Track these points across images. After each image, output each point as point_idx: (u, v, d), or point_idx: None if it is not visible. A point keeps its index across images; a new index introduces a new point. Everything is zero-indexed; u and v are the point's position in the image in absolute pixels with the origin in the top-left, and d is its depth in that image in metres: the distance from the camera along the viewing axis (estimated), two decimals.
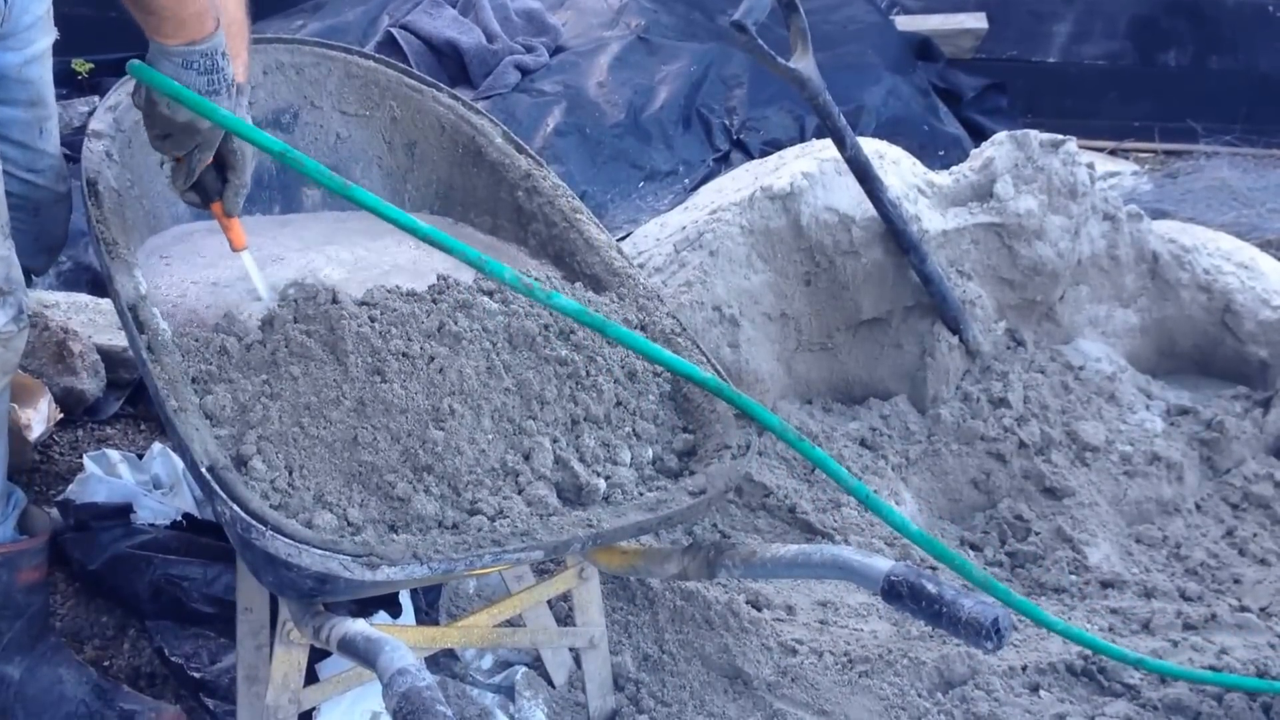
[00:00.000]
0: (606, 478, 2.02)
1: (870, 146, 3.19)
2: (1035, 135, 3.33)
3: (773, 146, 4.62)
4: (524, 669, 2.45)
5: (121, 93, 2.41)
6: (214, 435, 1.84)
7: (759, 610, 2.65)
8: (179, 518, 2.63)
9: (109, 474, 2.72)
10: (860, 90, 5.28)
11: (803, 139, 4.72)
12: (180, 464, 2.74)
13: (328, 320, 2.00)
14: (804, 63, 2.88)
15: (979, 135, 5.08)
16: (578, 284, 2.38)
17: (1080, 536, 2.92)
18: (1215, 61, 6.08)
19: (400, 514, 1.86)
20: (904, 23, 5.87)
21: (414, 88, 2.74)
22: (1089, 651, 2.54)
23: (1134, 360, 3.49)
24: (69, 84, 4.67)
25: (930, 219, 3.23)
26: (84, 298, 3.42)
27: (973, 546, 2.98)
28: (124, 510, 2.59)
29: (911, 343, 3.23)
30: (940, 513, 3.07)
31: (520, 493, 1.95)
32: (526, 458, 1.99)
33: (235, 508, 1.72)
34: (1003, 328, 3.32)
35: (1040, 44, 6.12)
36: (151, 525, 2.58)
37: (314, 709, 2.22)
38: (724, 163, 4.92)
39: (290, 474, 1.85)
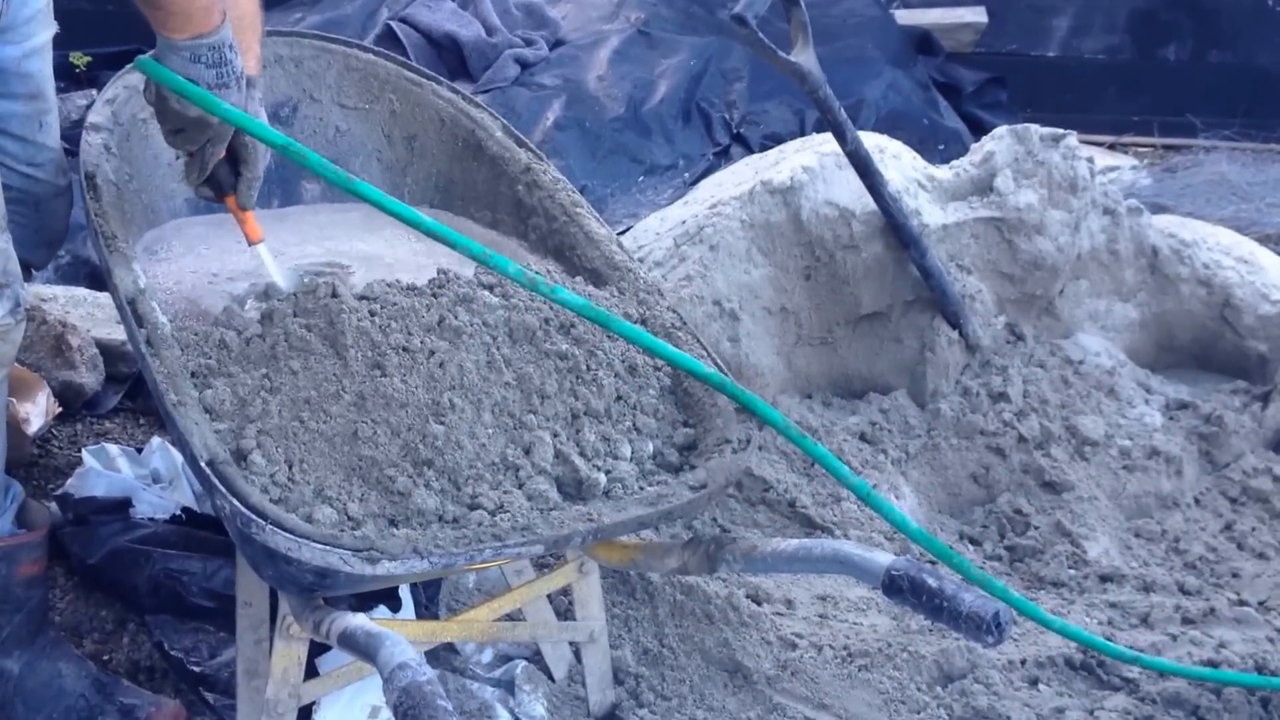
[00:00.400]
0: (607, 472, 2.02)
1: (870, 141, 3.18)
2: (1035, 129, 3.33)
3: (773, 140, 4.62)
4: (524, 663, 2.45)
5: (119, 86, 2.41)
6: (213, 429, 1.84)
7: (759, 604, 2.66)
8: (178, 512, 2.62)
9: (108, 468, 2.72)
10: (860, 84, 5.28)
11: (803, 133, 4.73)
12: (179, 458, 2.73)
13: (327, 314, 2.00)
14: (804, 56, 2.88)
15: (979, 129, 5.09)
16: (578, 278, 2.38)
17: (1079, 531, 2.92)
18: (1214, 56, 6.07)
19: (400, 508, 1.86)
20: (904, 17, 5.87)
21: (413, 81, 2.73)
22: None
23: (1133, 355, 3.49)
24: (66, 77, 4.66)
25: (930, 213, 3.22)
26: (82, 291, 3.42)
27: (972, 540, 2.98)
28: (123, 504, 2.59)
29: (911, 337, 3.23)
30: (940, 507, 3.07)
31: (520, 487, 1.95)
32: (527, 452, 1.99)
33: (235, 502, 1.72)
34: (1002, 322, 3.32)
35: (1040, 38, 6.12)
36: (151, 519, 2.58)
37: (314, 703, 2.22)
38: (724, 157, 4.92)
39: (290, 468, 1.85)
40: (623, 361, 2.17)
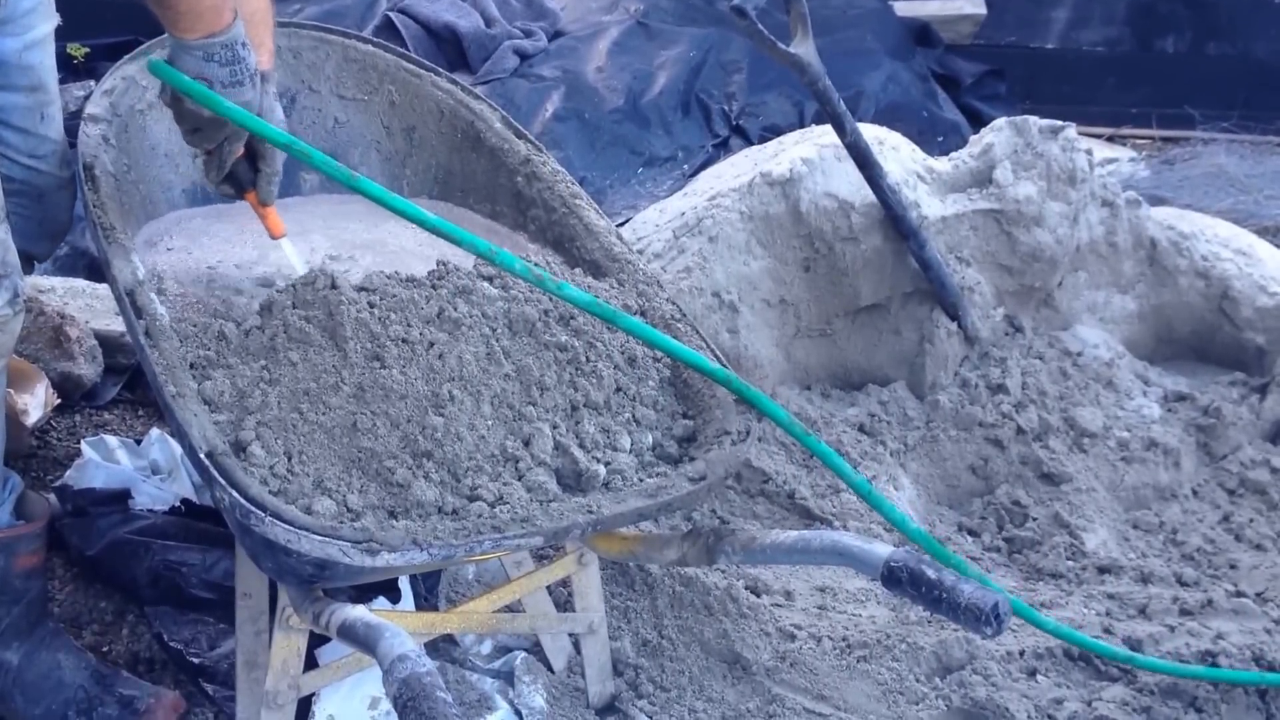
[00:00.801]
0: (606, 464, 2.02)
1: (869, 132, 3.18)
2: (1034, 121, 3.33)
3: (772, 132, 4.62)
4: (523, 654, 2.45)
5: (117, 77, 2.40)
6: (212, 421, 1.83)
7: (758, 596, 2.66)
8: (177, 503, 2.62)
9: (107, 459, 2.72)
10: (860, 76, 5.27)
11: (802, 125, 4.72)
12: (178, 449, 2.73)
13: (326, 306, 2.00)
14: (804, 48, 2.87)
15: (978, 121, 5.08)
16: (577, 269, 2.38)
17: (1077, 522, 2.93)
18: (1213, 48, 6.07)
19: (400, 500, 1.86)
20: (903, 8, 5.86)
21: (412, 72, 2.73)
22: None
23: (1132, 347, 3.49)
24: (64, 68, 4.65)
25: (929, 205, 3.22)
26: (81, 283, 3.41)
27: (970, 532, 2.99)
28: (122, 496, 2.59)
29: (910, 329, 3.23)
30: (938, 498, 3.08)
31: (520, 479, 1.95)
32: (526, 444, 1.99)
33: (234, 494, 1.72)
34: (1001, 314, 3.32)
35: (1039, 30, 6.11)
36: (150, 511, 2.58)
37: (314, 694, 2.22)
38: (723, 148, 4.92)
39: (289, 460, 1.85)
40: (622, 353, 2.17)
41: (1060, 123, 3.34)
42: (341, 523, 1.77)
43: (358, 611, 1.73)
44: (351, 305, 1.99)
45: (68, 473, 2.69)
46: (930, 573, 1.73)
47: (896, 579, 1.77)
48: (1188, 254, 3.49)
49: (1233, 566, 2.87)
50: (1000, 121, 3.38)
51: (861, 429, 3.09)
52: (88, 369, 3.07)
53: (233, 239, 2.34)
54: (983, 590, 1.70)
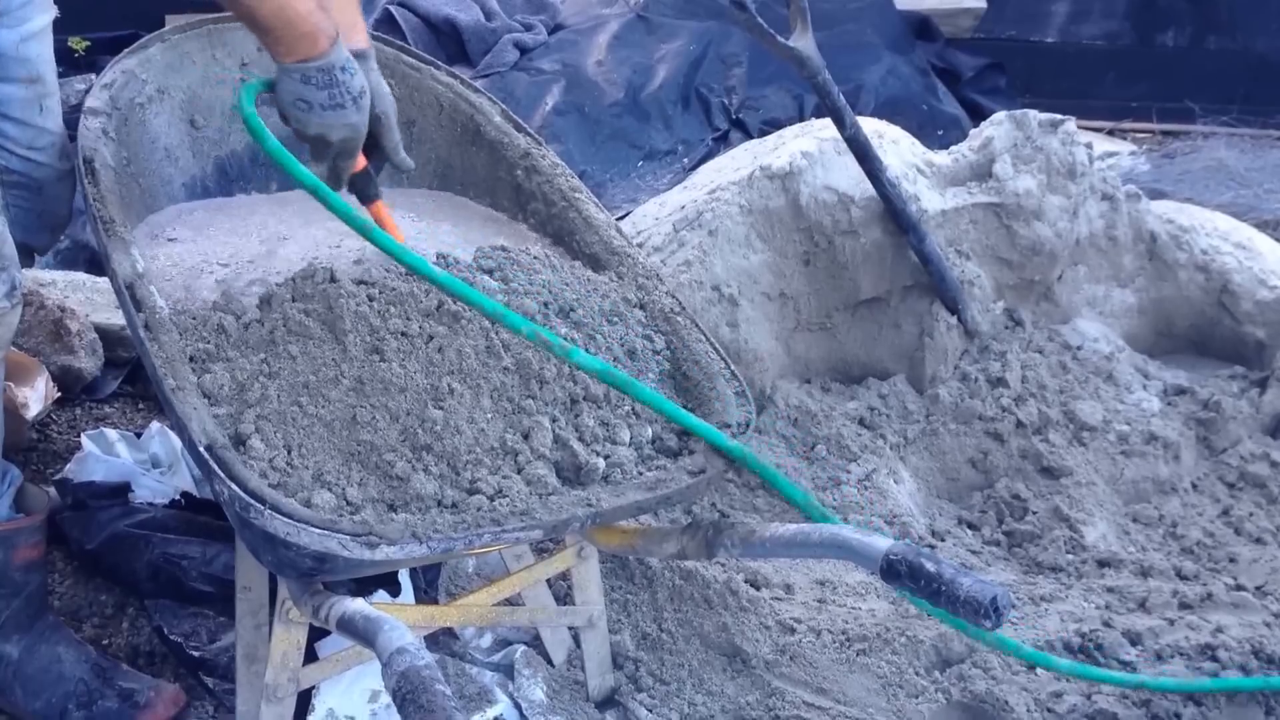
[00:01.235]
0: (605, 457, 2.02)
1: (869, 126, 3.18)
2: (1034, 115, 3.32)
3: (772, 126, 4.62)
4: (523, 648, 2.45)
5: (117, 70, 2.40)
6: (212, 414, 1.84)
7: (757, 589, 2.66)
8: (177, 497, 2.63)
9: (107, 453, 2.72)
10: (859, 69, 5.27)
11: (802, 118, 4.72)
12: (178, 443, 2.74)
13: (326, 299, 2.00)
14: (803, 41, 2.87)
15: (978, 115, 5.08)
16: (577, 262, 2.37)
17: (1077, 516, 2.93)
18: (1213, 42, 6.07)
19: (399, 493, 1.86)
20: (903, 2, 5.85)
21: (412, 65, 2.73)
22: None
23: (1131, 340, 3.49)
24: (65, 62, 4.63)
25: (929, 199, 3.22)
26: (81, 276, 3.41)
27: (970, 525, 2.99)
28: (122, 489, 2.59)
29: (910, 322, 3.23)
30: (938, 492, 3.08)
31: (519, 472, 1.95)
32: (525, 437, 1.99)
33: (234, 486, 1.72)
34: (1001, 307, 3.32)
35: (1039, 24, 6.10)
36: (150, 504, 2.58)
37: (313, 687, 2.23)
38: (723, 142, 4.92)
39: (289, 453, 1.85)
40: (622, 346, 2.17)
41: (1060, 116, 3.34)
42: (341, 516, 1.77)
43: (357, 604, 1.73)
44: (351, 299, 1.99)
45: (68, 466, 2.69)
46: (929, 566, 1.73)
47: (895, 572, 1.77)
48: (1188, 248, 3.49)
49: (1232, 560, 2.87)
50: (1000, 115, 3.37)
51: (861, 422, 3.09)
52: (88, 362, 3.07)
53: (236, 231, 2.34)
54: (982, 583, 1.70)
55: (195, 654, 2.39)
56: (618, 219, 2.82)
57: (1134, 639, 2.53)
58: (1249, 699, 2.42)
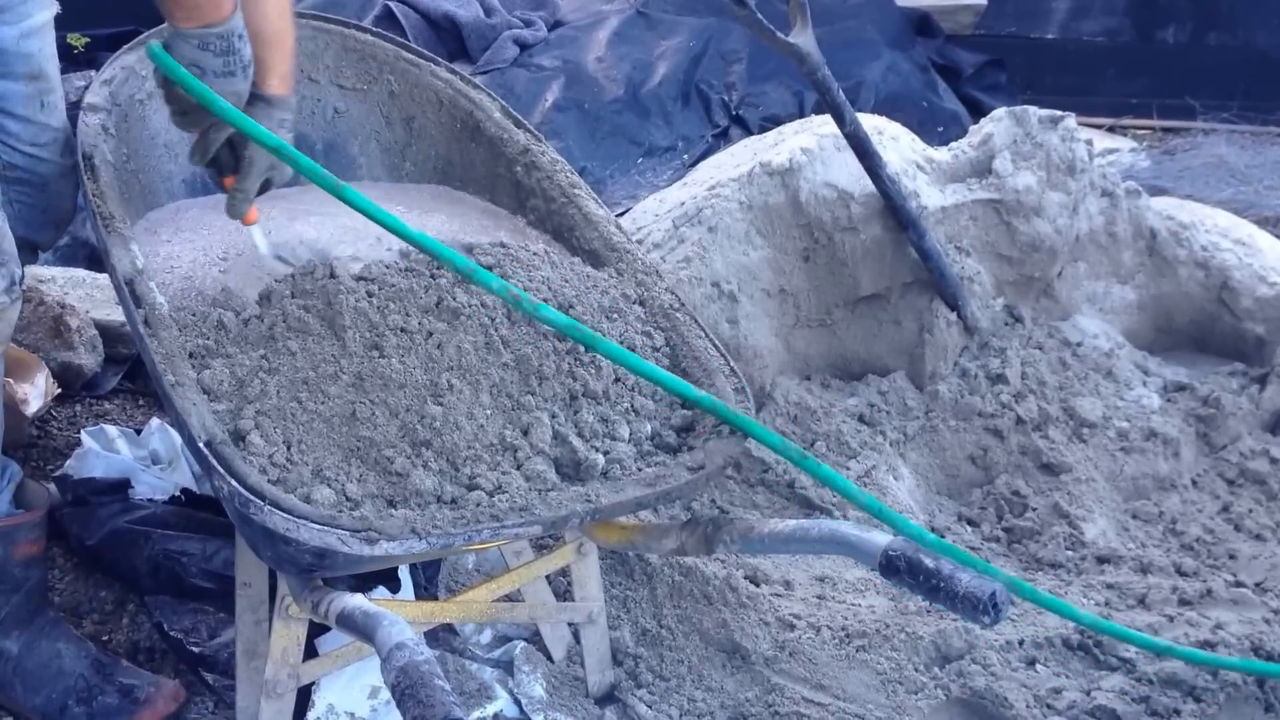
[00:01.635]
0: (605, 453, 2.02)
1: (869, 122, 3.18)
2: (1034, 111, 3.32)
3: (772, 122, 4.61)
4: (523, 644, 2.45)
5: (117, 66, 2.40)
6: (211, 410, 1.84)
7: (757, 585, 2.66)
8: (177, 493, 2.63)
9: (107, 449, 2.72)
10: (859, 66, 5.27)
11: (802, 115, 4.72)
12: (178, 439, 2.73)
13: (325, 295, 2.00)
14: (803, 38, 2.87)
15: (978, 111, 5.09)
16: (576, 258, 2.37)
17: (1077, 512, 2.93)
18: (1213, 38, 6.07)
19: (398, 489, 1.86)
20: None
21: (412, 62, 2.72)
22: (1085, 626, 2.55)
23: (1131, 337, 3.49)
24: (64, 58, 4.62)
25: (929, 195, 3.22)
26: (81, 272, 3.41)
27: (970, 522, 2.99)
28: (122, 485, 2.59)
29: (910, 319, 3.23)
30: (938, 488, 3.08)
31: (519, 468, 1.95)
32: (525, 433, 1.99)
33: (233, 483, 1.72)
34: (1001, 304, 3.32)
35: (1039, 20, 6.11)
36: (150, 500, 2.58)
37: (313, 683, 2.23)
38: (723, 138, 4.92)
39: (288, 449, 1.85)
40: (621, 342, 2.17)
41: (1060, 113, 3.34)
42: (340, 511, 1.77)
43: (356, 600, 1.73)
44: (350, 294, 1.99)
45: (68, 462, 2.69)
46: (928, 562, 1.73)
47: (895, 568, 1.77)
48: (1187, 244, 3.49)
49: (1232, 556, 2.87)
50: (1000, 111, 3.37)
51: (861, 419, 3.10)
52: (88, 359, 3.07)
53: (233, 226, 2.33)
54: (981, 579, 1.70)
55: (195, 650, 2.39)
56: (617, 215, 2.82)
57: None
58: (1248, 693, 2.42)
